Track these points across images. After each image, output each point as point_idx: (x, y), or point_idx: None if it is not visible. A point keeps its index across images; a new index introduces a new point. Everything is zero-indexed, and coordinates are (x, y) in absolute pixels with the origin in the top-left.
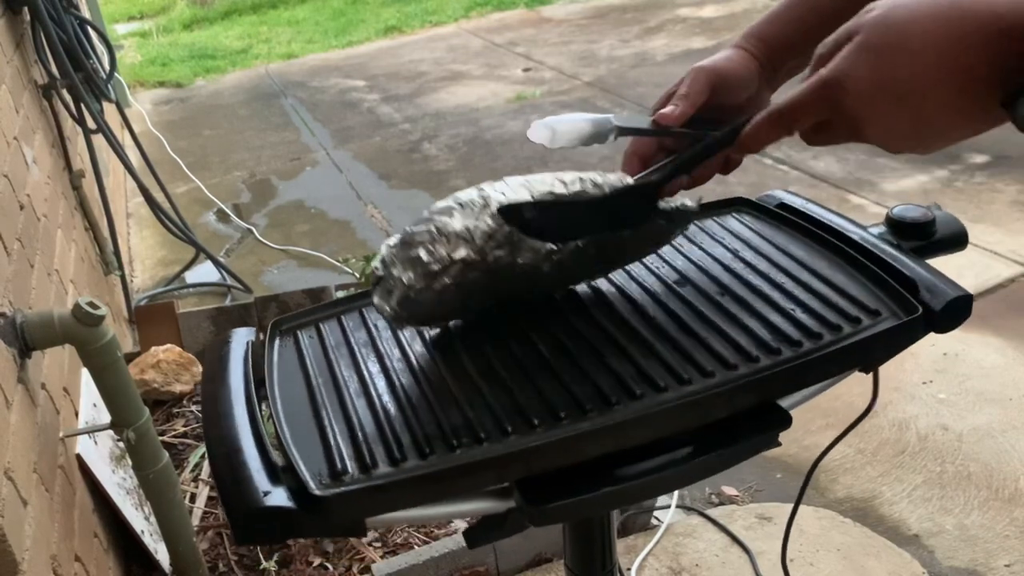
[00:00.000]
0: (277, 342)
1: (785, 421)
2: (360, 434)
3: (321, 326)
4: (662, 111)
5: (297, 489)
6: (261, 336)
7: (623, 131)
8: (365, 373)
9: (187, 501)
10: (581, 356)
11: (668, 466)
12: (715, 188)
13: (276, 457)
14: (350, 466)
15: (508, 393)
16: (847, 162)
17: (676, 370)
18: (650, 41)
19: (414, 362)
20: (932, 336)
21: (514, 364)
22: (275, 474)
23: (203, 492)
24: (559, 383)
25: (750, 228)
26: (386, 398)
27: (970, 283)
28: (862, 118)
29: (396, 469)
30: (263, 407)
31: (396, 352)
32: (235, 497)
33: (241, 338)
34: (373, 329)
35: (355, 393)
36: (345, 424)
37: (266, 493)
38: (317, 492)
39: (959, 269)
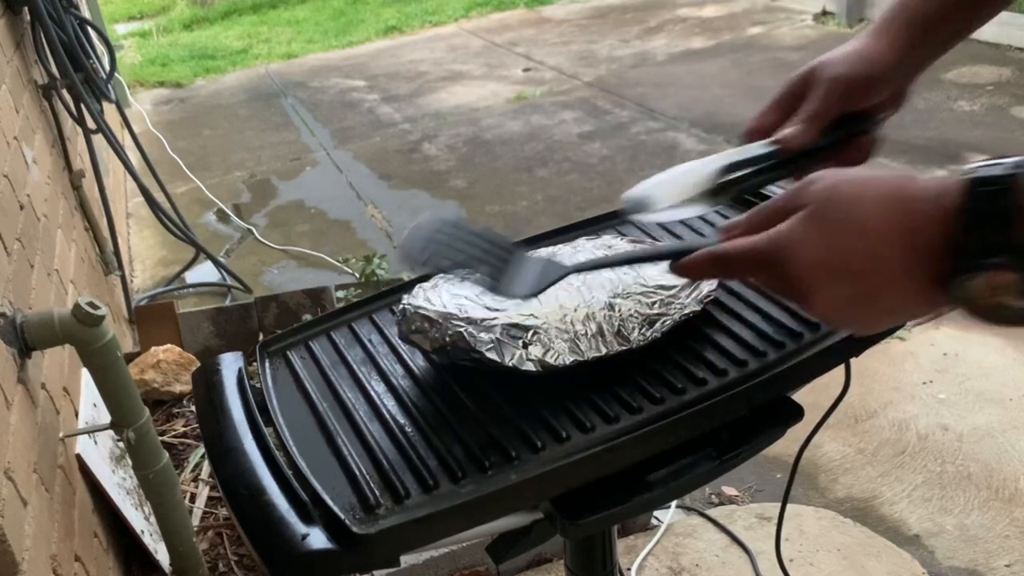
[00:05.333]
0: (268, 365)
1: (797, 413)
2: (385, 461)
3: (311, 345)
4: (786, 134)
5: (333, 527)
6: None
7: (731, 168)
8: (372, 393)
9: (187, 501)
10: (595, 363)
11: (695, 466)
12: None
13: (299, 490)
14: (382, 498)
15: (529, 406)
16: None
17: (690, 371)
18: (650, 41)
19: (421, 378)
20: (932, 336)
21: (526, 376)
22: (306, 512)
23: (203, 492)
24: (579, 392)
25: (702, 217)
26: (402, 419)
27: None
28: (807, 288)
29: (431, 497)
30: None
31: (399, 368)
32: (270, 543)
33: (230, 364)
34: (369, 344)
35: (367, 416)
36: (365, 451)
37: (304, 536)
38: (358, 531)
39: None
